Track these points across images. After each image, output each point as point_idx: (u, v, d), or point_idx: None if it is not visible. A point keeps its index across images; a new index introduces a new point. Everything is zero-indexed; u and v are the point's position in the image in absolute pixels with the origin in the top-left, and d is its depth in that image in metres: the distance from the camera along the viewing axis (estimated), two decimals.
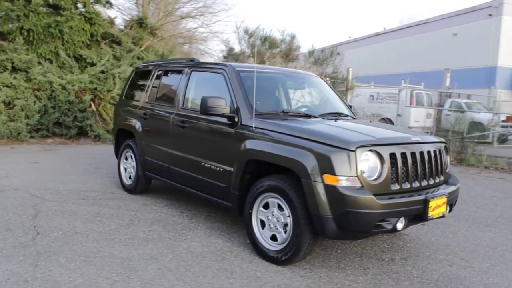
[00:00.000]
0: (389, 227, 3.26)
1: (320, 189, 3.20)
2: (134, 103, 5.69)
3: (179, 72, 5.04)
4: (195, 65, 4.82)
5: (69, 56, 11.42)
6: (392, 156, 3.34)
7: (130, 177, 5.70)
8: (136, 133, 5.40)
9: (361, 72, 18.09)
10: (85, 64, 11.75)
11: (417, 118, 15.98)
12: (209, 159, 4.22)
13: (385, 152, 3.31)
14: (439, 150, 3.81)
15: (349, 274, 3.49)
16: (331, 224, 3.20)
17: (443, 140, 4.03)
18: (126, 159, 5.78)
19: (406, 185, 3.41)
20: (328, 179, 3.19)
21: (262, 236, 3.70)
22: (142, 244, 3.86)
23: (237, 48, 15.66)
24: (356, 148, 3.20)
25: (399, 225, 3.31)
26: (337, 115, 4.52)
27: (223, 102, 3.97)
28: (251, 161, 3.76)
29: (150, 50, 14.32)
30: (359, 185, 3.18)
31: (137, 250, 3.71)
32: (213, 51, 20.30)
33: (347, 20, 79.56)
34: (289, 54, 14.47)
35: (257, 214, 3.73)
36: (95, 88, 11.08)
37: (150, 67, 5.67)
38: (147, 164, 5.24)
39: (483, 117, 16.03)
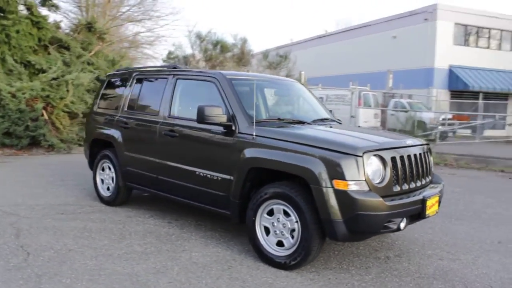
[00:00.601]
0: (394, 227, 3.43)
1: (331, 194, 3.30)
2: (111, 111, 5.50)
3: (161, 79, 4.95)
4: (181, 73, 4.76)
5: (16, 62, 10.75)
6: (393, 159, 3.52)
7: (108, 189, 5.50)
8: (115, 143, 5.22)
9: (308, 74, 18.57)
10: (34, 70, 11.11)
11: (366, 119, 16.74)
12: (204, 168, 4.19)
13: (387, 156, 3.48)
14: (425, 152, 4.06)
15: (354, 274, 3.61)
16: (342, 228, 3.31)
17: (426, 142, 4.29)
18: (103, 170, 5.57)
19: (405, 187, 3.60)
20: (338, 184, 3.29)
21: (267, 243, 3.73)
22: (143, 258, 3.75)
23: (189, 52, 15.57)
24: (363, 153, 3.34)
25: (402, 225, 3.49)
26: (326, 121, 4.66)
27: (220, 110, 3.96)
28: (253, 169, 3.79)
29: (100, 55, 13.82)
30: (367, 188, 3.32)
31: (140, 265, 3.60)
32: (160, 56, 19.89)
33: (290, 23, 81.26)
34: (242, 58, 14.60)
35: (260, 221, 3.76)
36: (47, 96, 10.52)
37: (126, 75, 5.51)
38: (130, 174, 5.08)
39: (426, 116, 17.11)
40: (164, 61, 16.10)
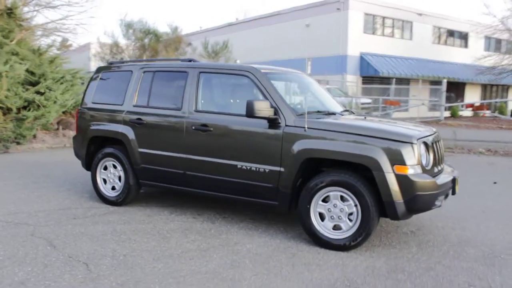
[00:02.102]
0: (440, 204, 3.89)
1: (392, 179, 3.64)
2: (113, 107, 5.20)
3: (178, 73, 4.82)
4: (205, 67, 4.69)
5: None
6: (431, 145, 3.97)
7: (113, 188, 5.23)
8: (126, 140, 4.97)
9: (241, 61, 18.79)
10: None
11: None
12: (247, 161, 4.24)
13: (428, 142, 3.92)
14: (440, 139, 4.59)
15: (400, 248, 4.00)
16: (402, 208, 3.68)
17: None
18: (105, 169, 5.27)
19: (438, 168, 4.09)
20: (399, 169, 3.64)
21: (323, 228, 3.96)
22: (205, 255, 3.74)
23: (122, 41, 14.78)
24: (417, 140, 3.73)
25: (443, 202, 3.96)
26: (349, 112, 4.98)
27: (268, 104, 4.05)
28: (306, 159, 3.96)
29: (23, 45, 12.49)
30: (420, 171, 3.72)
31: (210, 262, 3.60)
32: (81, 43, 18.45)
33: (200, 9, 79.85)
34: (178, 47, 14.27)
35: (315, 208, 3.97)
36: None
37: (129, 68, 5.25)
38: (146, 172, 4.90)
39: (345, 100, 18.45)
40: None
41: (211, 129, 4.43)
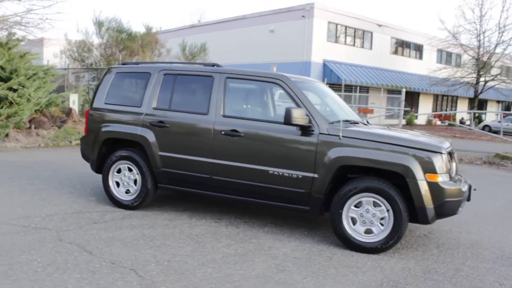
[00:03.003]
0: (461, 209, 4.19)
1: (425, 186, 3.88)
2: (130, 109, 5.11)
3: (203, 78, 4.84)
4: (232, 73, 4.74)
5: None
6: (451, 155, 4.28)
7: (127, 192, 5.14)
8: (146, 143, 4.90)
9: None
10: None
11: None
12: (279, 167, 4.33)
13: (450, 153, 4.22)
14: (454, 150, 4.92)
15: (424, 250, 4.25)
16: (432, 213, 3.93)
17: None
18: (119, 171, 5.17)
19: (457, 177, 4.40)
20: (430, 177, 3.90)
21: (355, 232, 4.14)
22: (248, 260, 3.77)
23: (96, 41, 14.29)
24: (445, 151, 4.01)
25: (463, 207, 4.27)
26: (366, 122, 5.21)
27: (304, 112, 4.18)
28: (340, 166, 4.13)
29: None
30: (448, 179, 4.00)
31: (255, 266, 3.66)
32: (48, 39, 17.57)
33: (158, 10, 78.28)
34: (154, 48, 14.02)
35: (347, 213, 4.14)
36: None
37: (147, 70, 5.18)
38: (167, 175, 4.87)
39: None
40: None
41: (242, 134, 4.49)
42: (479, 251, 4.37)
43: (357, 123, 4.78)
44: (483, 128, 26.26)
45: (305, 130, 4.26)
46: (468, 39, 27.74)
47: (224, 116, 4.62)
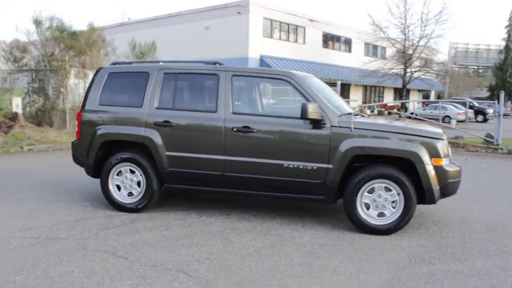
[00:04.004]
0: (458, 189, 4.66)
1: (431, 170, 4.28)
2: (130, 109, 4.97)
3: (207, 76, 4.87)
4: (238, 70, 4.80)
5: None
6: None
7: (130, 194, 5.02)
8: (151, 143, 4.81)
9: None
10: None
11: None
12: (294, 160, 4.50)
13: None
14: None
15: (427, 228, 4.67)
16: (438, 193, 4.35)
17: None
18: (119, 174, 5.02)
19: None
20: (436, 161, 4.31)
21: (368, 216, 4.44)
22: (281, 251, 3.92)
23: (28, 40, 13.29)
24: (445, 137, 4.45)
25: None
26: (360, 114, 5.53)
27: (317, 107, 4.38)
28: (354, 156, 4.40)
29: None
30: (448, 162, 4.44)
31: (292, 256, 3.80)
32: None
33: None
34: (101, 47, 13.39)
35: (361, 199, 4.43)
36: None
37: (144, 69, 5.07)
38: (175, 175, 4.83)
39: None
40: None
41: (254, 130, 4.59)
42: (471, 225, 4.88)
43: (357, 114, 5.08)
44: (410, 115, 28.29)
45: (318, 123, 4.47)
46: (396, 33, 29.83)
47: (234, 113, 4.69)
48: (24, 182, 6.57)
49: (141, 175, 4.95)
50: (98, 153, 5.07)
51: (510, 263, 3.77)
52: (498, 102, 13.09)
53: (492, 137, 12.97)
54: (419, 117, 18.63)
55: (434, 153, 4.32)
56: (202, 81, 4.94)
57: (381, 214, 4.44)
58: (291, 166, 4.53)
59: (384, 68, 29.09)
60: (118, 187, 5.05)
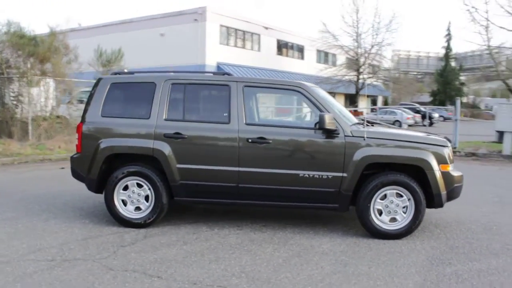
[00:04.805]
0: None
1: (439, 175, 4.53)
2: (137, 121, 4.83)
3: (218, 87, 4.85)
4: (249, 81, 4.82)
5: None
6: None
7: (137, 209, 4.86)
8: (161, 156, 4.70)
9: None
10: None
11: None
12: (310, 169, 4.58)
13: None
14: None
15: (431, 230, 4.92)
16: (445, 198, 4.60)
17: None
18: (125, 189, 4.86)
19: None
20: (443, 167, 4.57)
21: (381, 222, 4.60)
22: (309, 260, 3.98)
23: None
24: (450, 145, 4.73)
25: None
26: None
27: (332, 117, 4.50)
28: (368, 164, 4.55)
29: None
30: (453, 168, 4.72)
31: (321, 264, 3.88)
32: None
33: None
34: (63, 54, 12.75)
35: (374, 205, 4.59)
36: None
37: (149, 80, 4.95)
38: (187, 188, 4.75)
39: None
40: None
41: (270, 141, 4.62)
42: (468, 226, 5.20)
43: (368, 124, 5.25)
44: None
45: (332, 133, 4.58)
46: (349, 41, 30.95)
47: (247, 124, 4.69)
48: (5, 199, 6.14)
49: (149, 189, 4.81)
50: (102, 167, 4.87)
51: None
52: (452, 106, 13.90)
53: (450, 140, 13.77)
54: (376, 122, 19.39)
55: (441, 160, 4.57)
56: (212, 91, 4.92)
57: (393, 220, 4.63)
58: (306, 175, 4.60)
59: (337, 75, 30.07)
60: (124, 202, 4.88)
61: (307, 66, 34.48)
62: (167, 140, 4.74)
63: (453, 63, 50.66)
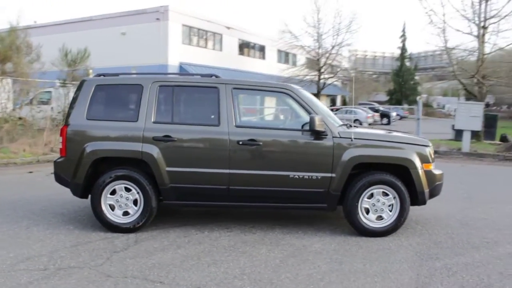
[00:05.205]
0: None
1: (423, 174, 4.75)
2: (124, 124, 4.74)
3: (206, 89, 4.84)
4: (238, 83, 4.84)
5: None
6: None
7: (125, 214, 4.77)
8: (151, 159, 4.63)
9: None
10: None
11: None
12: (300, 170, 4.66)
13: None
14: None
15: (415, 227, 5.14)
16: (427, 195, 4.83)
17: None
18: (113, 193, 4.75)
19: None
20: (426, 166, 4.79)
21: (368, 220, 4.77)
22: (306, 260, 4.06)
23: None
24: (431, 144, 4.97)
25: None
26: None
27: (321, 119, 4.61)
28: (356, 165, 4.70)
29: None
30: (434, 167, 4.96)
31: (318, 263, 3.97)
32: None
33: None
34: (28, 52, 12.20)
35: (361, 204, 4.75)
36: None
37: (136, 82, 4.88)
38: (177, 191, 4.71)
39: None
40: None
41: (260, 143, 4.67)
42: (446, 222, 5.47)
43: (351, 125, 5.40)
44: None
45: (321, 135, 4.69)
46: (310, 41, 31.43)
47: (237, 126, 4.72)
48: None
49: (138, 192, 4.74)
50: (88, 171, 4.74)
51: (499, 253, 4.35)
52: (411, 106, 14.45)
53: None
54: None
55: (424, 159, 4.79)
56: (201, 94, 4.89)
57: (379, 218, 4.80)
58: (296, 177, 4.69)
59: (299, 75, 30.49)
60: (111, 207, 4.77)
61: (268, 66, 34.73)
62: (156, 143, 4.68)
63: (407, 63, 52.66)
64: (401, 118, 37.84)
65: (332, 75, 31.98)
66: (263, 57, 36.13)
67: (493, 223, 5.43)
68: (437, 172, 4.91)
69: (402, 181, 4.75)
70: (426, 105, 52.77)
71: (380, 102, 46.53)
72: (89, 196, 4.87)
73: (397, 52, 53.89)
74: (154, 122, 4.74)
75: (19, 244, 4.36)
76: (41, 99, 13.13)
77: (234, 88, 4.82)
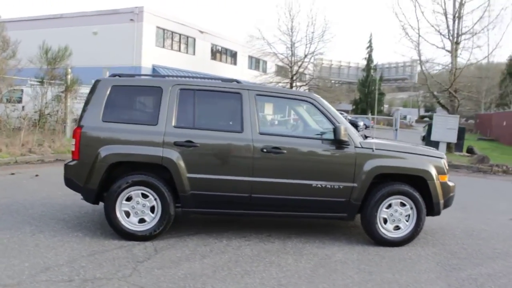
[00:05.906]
0: None
1: (439, 185, 4.87)
2: (144, 127, 4.56)
3: (229, 94, 4.74)
4: (261, 90, 4.78)
5: None
6: None
7: (142, 221, 4.59)
8: (171, 165, 4.48)
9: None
10: None
11: None
12: (323, 179, 4.65)
13: None
14: None
15: (427, 237, 5.24)
16: (442, 206, 4.95)
17: None
18: (129, 199, 4.56)
19: None
20: (442, 178, 4.92)
21: (386, 230, 4.82)
22: (335, 270, 4.05)
23: None
24: (445, 157, 5.11)
25: None
26: None
27: (345, 129, 4.63)
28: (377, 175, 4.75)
29: None
30: (448, 179, 5.09)
31: (348, 273, 3.97)
32: None
33: None
34: (5, 48, 11.55)
35: (380, 214, 4.80)
36: None
37: (156, 84, 4.72)
38: (197, 198, 4.57)
39: None
40: None
41: (284, 151, 4.62)
42: (452, 232, 5.62)
43: (366, 136, 5.43)
44: None
45: (344, 144, 4.71)
46: (283, 49, 31.72)
47: (261, 133, 4.65)
48: None
49: (155, 199, 4.57)
50: (103, 176, 4.52)
51: None
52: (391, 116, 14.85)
53: None
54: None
55: (440, 171, 4.91)
56: (223, 99, 4.80)
57: (396, 228, 4.86)
58: (319, 186, 4.68)
59: (271, 82, 30.70)
60: (126, 214, 4.57)
61: (240, 72, 34.75)
62: (177, 148, 4.54)
63: (372, 73, 54.26)
64: (367, 127, 38.83)
65: (304, 83, 32.40)
66: (235, 63, 36.14)
67: (496, 234, 5.62)
68: (451, 183, 5.05)
69: (419, 192, 4.85)
70: (389, 115, 54.59)
71: (346, 111, 47.58)
72: (100, 202, 4.66)
73: (362, 62, 55.45)
74: (175, 127, 4.60)
75: (30, 253, 4.09)
76: (17, 97, 12.51)
77: (258, 95, 4.76)
